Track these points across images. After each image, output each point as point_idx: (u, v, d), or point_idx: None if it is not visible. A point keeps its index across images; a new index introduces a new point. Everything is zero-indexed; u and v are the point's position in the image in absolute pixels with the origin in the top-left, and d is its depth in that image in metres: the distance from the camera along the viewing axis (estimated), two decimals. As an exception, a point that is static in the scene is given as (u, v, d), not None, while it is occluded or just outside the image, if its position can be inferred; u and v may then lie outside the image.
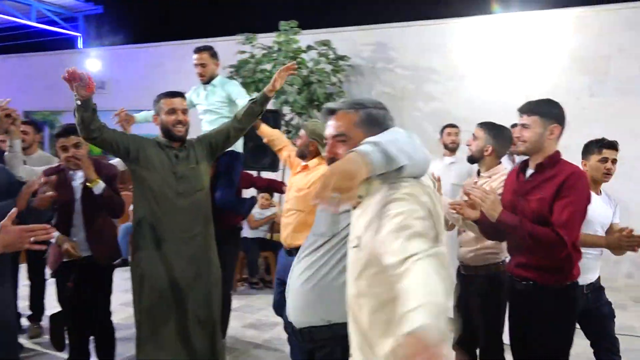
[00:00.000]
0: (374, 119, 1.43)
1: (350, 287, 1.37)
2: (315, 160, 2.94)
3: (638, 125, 5.79)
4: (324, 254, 1.72)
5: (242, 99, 3.37)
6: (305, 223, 2.77)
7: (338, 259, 1.70)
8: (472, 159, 2.72)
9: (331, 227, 1.71)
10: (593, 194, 2.41)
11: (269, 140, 3.41)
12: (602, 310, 2.69)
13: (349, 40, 7.32)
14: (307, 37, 6.73)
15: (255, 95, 2.90)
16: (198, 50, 3.53)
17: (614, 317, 2.73)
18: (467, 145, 2.72)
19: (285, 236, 2.91)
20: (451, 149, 4.77)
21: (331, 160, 1.39)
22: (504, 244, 2.51)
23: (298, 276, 1.75)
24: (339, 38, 7.03)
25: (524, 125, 2.19)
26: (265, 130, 3.40)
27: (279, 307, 2.81)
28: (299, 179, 2.95)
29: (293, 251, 2.77)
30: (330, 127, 1.45)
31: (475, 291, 2.67)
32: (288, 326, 1.82)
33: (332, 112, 1.45)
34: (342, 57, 6.88)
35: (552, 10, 6.46)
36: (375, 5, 7.45)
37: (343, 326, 1.46)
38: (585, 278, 2.49)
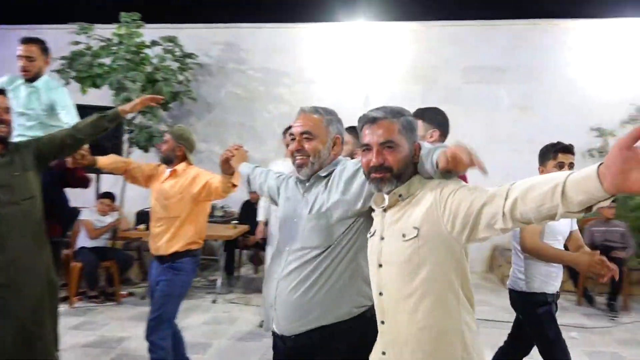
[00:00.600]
0: (413, 126, 1.58)
1: (397, 286, 1.48)
2: (183, 165, 2.95)
3: (460, 131, 6.50)
4: (319, 264, 1.77)
5: (67, 115, 3.04)
6: (182, 228, 2.84)
7: (345, 265, 1.77)
8: None
9: (327, 239, 1.77)
10: None
11: (111, 169, 3.07)
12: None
13: (197, 37, 7.11)
14: (151, 32, 6.36)
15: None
16: (27, 40, 3.05)
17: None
18: None
19: (158, 246, 2.86)
20: None
21: (381, 166, 1.50)
22: None
23: (290, 290, 1.78)
24: (185, 35, 6.78)
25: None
26: (104, 161, 2.99)
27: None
28: (168, 186, 2.89)
29: (166, 258, 2.83)
30: (375, 135, 1.52)
31: None
32: (279, 339, 1.87)
33: (374, 120, 1.53)
34: (189, 55, 6.64)
35: (392, 22, 6.98)
36: (224, 4, 7.32)
37: (344, 322, 1.73)
38: (553, 286, 2.57)
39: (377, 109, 1.56)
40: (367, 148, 1.54)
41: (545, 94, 6.60)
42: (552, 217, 1.18)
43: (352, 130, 2.67)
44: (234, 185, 2.63)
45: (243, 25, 7.30)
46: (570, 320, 4.63)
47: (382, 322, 1.55)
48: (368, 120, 1.54)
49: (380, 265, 1.54)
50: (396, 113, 1.54)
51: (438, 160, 1.46)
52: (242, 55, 7.25)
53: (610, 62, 6.47)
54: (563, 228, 2.61)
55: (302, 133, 1.82)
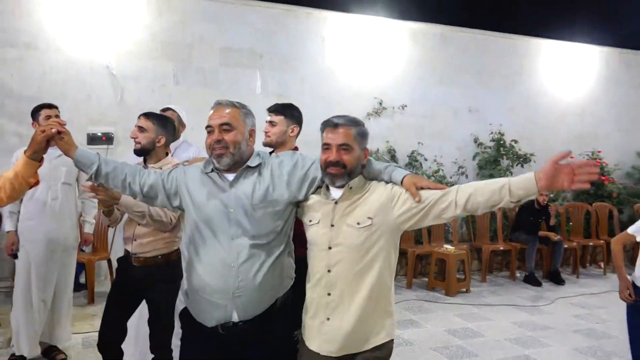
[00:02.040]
0: (365, 135, 1.99)
1: (348, 264, 1.92)
2: None
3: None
4: (273, 247, 2.00)
5: None
6: None
7: (286, 246, 2.07)
8: (142, 152, 2.71)
9: (276, 225, 2.00)
10: None
11: None
12: None
13: None
14: None
15: None
16: None
17: None
18: (133, 137, 2.69)
19: None
20: None
21: (337, 162, 1.90)
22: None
23: (254, 275, 1.95)
24: None
25: (271, 123, 2.75)
26: None
27: None
28: None
29: None
30: (335, 137, 1.91)
31: None
32: (222, 328, 1.98)
33: (335, 125, 1.93)
34: None
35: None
36: None
37: (283, 296, 2.07)
38: None
39: (339, 116, 1.95)
40: (327, 147, 1.92)
41: (300, 83, 6.55)
42: (493, 208, 1.84)
43: (151, 117, 2.72)
44: (37, 182, 2.10)
45: None
46: None
47: (329, 294, 1.94)
48: (331, 125, 1.94)
49: (330, 248, 1.93)
50: (354, 122, 1.96)
51: (404, 182, 1.91)
52: None
53: (360, 57, 6.78)
54: None
55: (221, 125, 1.97)
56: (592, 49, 8.14)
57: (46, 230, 3.52)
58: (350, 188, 1.93)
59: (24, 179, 1.98)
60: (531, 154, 7.24)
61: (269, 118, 2.77)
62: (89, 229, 3.96)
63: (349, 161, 1.89)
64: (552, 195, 7.15)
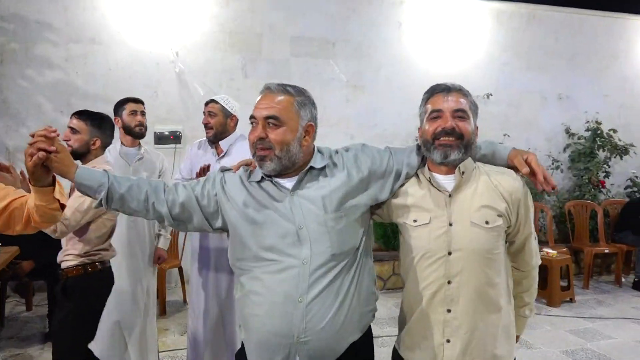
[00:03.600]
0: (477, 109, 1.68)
1: (475, 273, 1.56)
2: None
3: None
4: (349, 272, 1.57)
5: None
6: None
7: (366, 264, 1.64)
8: (73, 156, 2.19)
9: (355, 239, 1.60)
10: None
11: None
12: None
13: None
14: None
15: None
16: None
17: None
18: (65, 140, 2.31)
19: None
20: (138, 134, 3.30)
21: (453, 130, 1.55)
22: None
23: (325, 312, 1.51)
24: None
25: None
26: None
27: None
28: None
29: None
30: (449, 102, 1.59)
31: None
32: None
33: (448, 89, 1.61)
34: None
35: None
36: None
37: (365, 334, 1.65)
38: None
39: (451, 84, 1.62)
40: (437, 115, 1.58)
41: (375, 71, 6.01)
42: None
43: (84, 116, 2.37)
44: (62, 206, 1.72)
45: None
46: None
47: (449, 311, 1.58)
48: (442, 89, 1.61)
49: (450, 253, 1.57)
50: (467, 91, 1.63)
51: (512, 157, 1.63)
52: (-18, -4, 4.94)
53: (440, 42, 6.18)
54: None
55: (266, 118, 1.52)
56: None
57: (122, 243, 3.02)
58: (462, 173, 1.58)
59: (46, 207, 1.65)
60: (631, 145, 6.46)
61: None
62: (163, 244, 3.41)
63: (466, 130, 1.57)
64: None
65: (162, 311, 4.64)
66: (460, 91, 1.61)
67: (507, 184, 1.59)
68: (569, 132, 6.67)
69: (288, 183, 1.57)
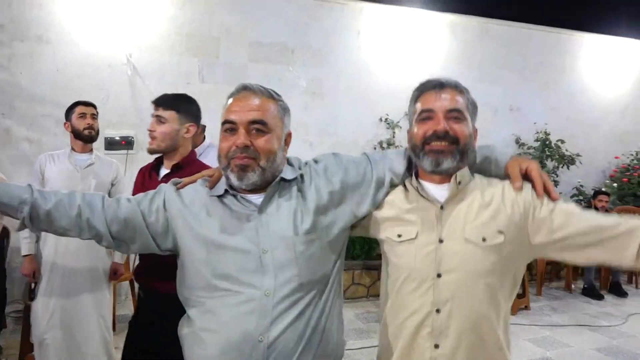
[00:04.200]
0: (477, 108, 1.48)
1: (470, 300, 1.31)
2: None
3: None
4: (318, 304, 1.35)
5: None
6: None
7: (337, 295, 1.43)
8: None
9: (327, 265, 1.38)
10: None
11: None
12: None
13: None
14: None
15: None
16: None
17: None
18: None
19: None
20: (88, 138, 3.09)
21: (446, 134, 1.36)
22: None
23: (291, 351, 1.29)
24: None
25: (159, 119, 2.05)
26: None
27: None
28: None
29: None
30: (444, 102, 1.40)
31: None
32: None
33: (442, 85, 1.41)
34: None
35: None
36: None
37: None
38: None
39: (445, 80, 1.42)
40: (428, 116, 1.37)
41: (334, 79, 6.00)
42: None
43: None
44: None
45: None
46: None
47: (436, 346, 1.32)
48: (434, 85, 1.41)
49: (439, 275, 1.32)
50: (464, 87, 1.44)
51: (508, 166, 1.41)
52: None
53: (397, 51, 6.24)
54: None
55: (251, 122, 1.32)
56: (636, 43, 7.67)
57: (70, 256, 2.91)
58: (459, 183, 1.35)
59: None
60: (577, 155, 6.74)
61: (155, 112, 2.09)
62: (119, 258, 3.19)
63: (462, 134, 1.34)
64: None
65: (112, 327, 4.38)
66: (455, 88, 1.39)
67: (510, 192, 1.36)
68: (518, 142, 6.89)
69: (256, 199, 1.37)
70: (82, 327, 2.92)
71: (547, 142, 6.72)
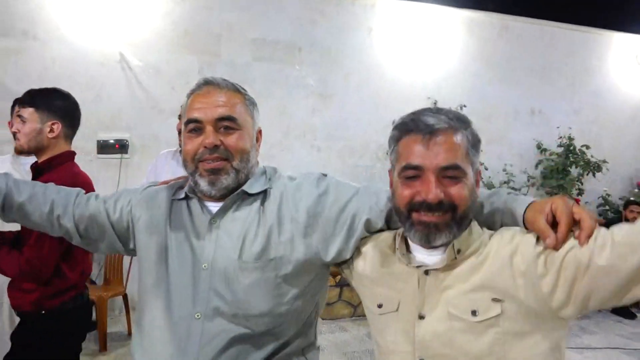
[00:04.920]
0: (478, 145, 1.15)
1: None
2: None
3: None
4: (265, 342, 1.17)
5: None
6: None
7: (305, 351, 1.26)
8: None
9: (278, 303, 1.17)
10: None
11: None
12: None
13: None
14: None
15: None
16: None
17: None
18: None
19: None
20: None
21: (440, 203, 1.04)
22: None
23: None
24: None
25: (21, 118, 1.86)
26: None
27: None
28: None
29: None
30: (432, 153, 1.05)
31: None
32: None
33: (433, 131, 1.07)
34: None
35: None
36: None
37: None
38: None
39: (428, 110, 1.10)
40: (415, 174, 1.06)
41: (344, 79, 5.61)
42: None
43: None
44: None
45: None
46: None
47: None
48: (421, 128, 1.05)
49: None
50: (460, 121, 1.09)
51: (529, 221, 1.02)
52: None
53: (411, 50, 5.84)
54: None
55: (219, 119, 1.20)
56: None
57: None
58: (458, 252, 1.06)
59: None
60: (603, 161, 6.30)
61: (16, 110, 1.90)
62: None
63: (460, 198, 1.04)
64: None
65: (102, 347, 4.02)
66: (450, 128, 1.05)
67: (526, 246, 1.01)
68: (540, 148, 6.45)
69: (214, 206, 1.25)
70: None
71: (571, 148, 6.28)
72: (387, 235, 1.19)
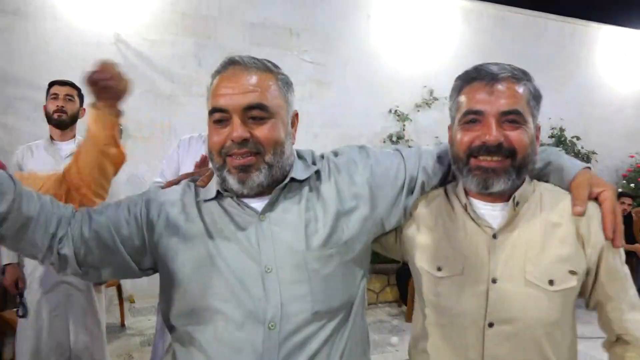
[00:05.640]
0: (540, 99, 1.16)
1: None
2: None
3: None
4: (338, 335, 1.05)
5: None
6: None
7: (363, 322, 1.14)
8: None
9: (350, 289, 1.08)
10: None
11: None
12: None
13: None
14: None
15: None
16: None
17: None
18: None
19: None
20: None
21: (500, 146, 1.03)
22: None
23: None
24: None
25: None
26: None
27: None
28: None
29: None
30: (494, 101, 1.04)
31: None
32: None
33: (495, 78, 1.06)
34: None
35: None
36: None
37: None
38: None
39: (491, 64, 1.08)
40: (475, 118, 1.04)
41: (342, 66, 5.56)
42: None
43: None
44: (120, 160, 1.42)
45: None
46: None
47: None
48: (484, 75, 1.05)
49: (491, 325, 1.03)
50: (523, 73, 1.09)
51: (575, 185, 1.08)
52: None
53: (408, 38, 5.82)
54: None
55: (247, 108, 1.01)
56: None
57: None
58: (517, 204, 1.06)
59: (98, 145, 1.32)
60: (593, 152, 6.41)
61: None
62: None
63: (520, 144, 1.03)
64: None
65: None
66: (512, 77, 1.05)
67: (592, 218, 1.05)
68: (532, 138, 6.53)
69: (256, 203, 1.06)
70: (78, 337, 2.51)
71: (562, 139, 6.37)
72: (436, 198, 1.16)
